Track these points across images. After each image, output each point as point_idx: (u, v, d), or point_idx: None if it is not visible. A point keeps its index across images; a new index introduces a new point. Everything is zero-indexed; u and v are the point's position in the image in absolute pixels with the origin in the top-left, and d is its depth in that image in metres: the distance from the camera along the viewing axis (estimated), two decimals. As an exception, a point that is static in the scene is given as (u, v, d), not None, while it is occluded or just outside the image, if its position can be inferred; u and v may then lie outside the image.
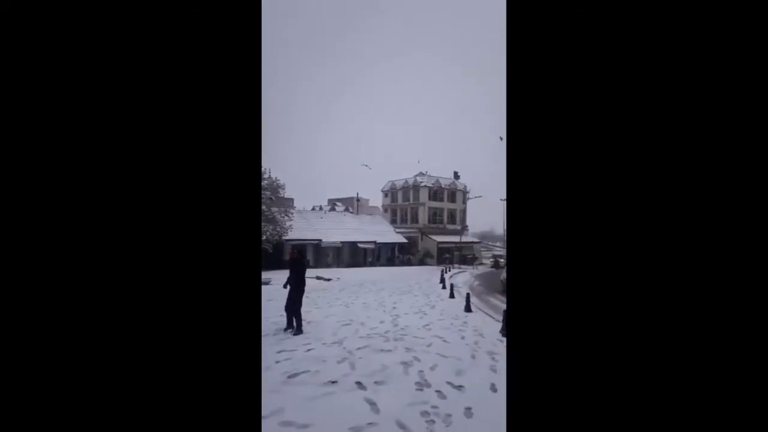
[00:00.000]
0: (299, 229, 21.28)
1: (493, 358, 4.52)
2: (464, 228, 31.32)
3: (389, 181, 33.63)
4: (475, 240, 34.00)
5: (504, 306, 8.72)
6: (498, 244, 47.78)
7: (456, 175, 33.39)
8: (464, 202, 32.93)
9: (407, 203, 31.40)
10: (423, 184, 30.33)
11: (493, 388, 3.54)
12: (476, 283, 15.57)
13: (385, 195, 34.02)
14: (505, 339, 5.51)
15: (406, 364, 3.96)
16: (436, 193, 30.90)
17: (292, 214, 19.81)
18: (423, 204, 30.20)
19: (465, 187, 33.29)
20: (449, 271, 19.86)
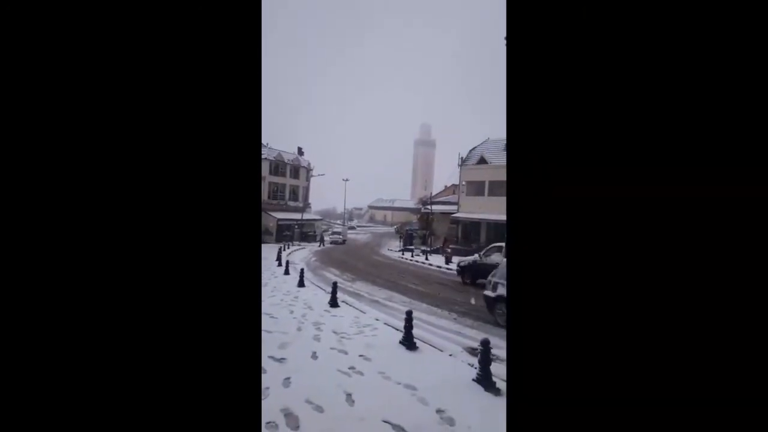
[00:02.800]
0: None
1: (318, 329, 4.76)
2: (307, 205, 31.39)
3: (225, 150, 30.14)
4: (317, 218, 34.63)
5: (334, 278, 9.27)
6: (338, 221, 50.01)
7: (300, 151, 32.86)
8: (307, 179, 32.89)
9: (245, 176, 28.96)
10: (264, 157, 28.64)
11: (314, 356, 3.74)
12: (313, 259, 15.96)
13: (220, 165, 30.42)
14: (331, 309, 5.89)
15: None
16: (277, 168, 29.72)
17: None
18: (263, 178, 28.60)
19: (309, 164, 33.20)
20: (288, 248, 19.66)
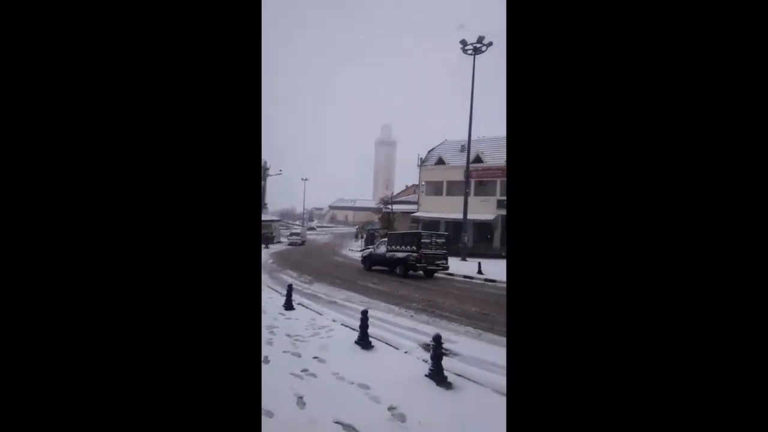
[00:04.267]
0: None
1: (271, 332, 4.61)
2: (262, 206, 30.40)
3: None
4: (275, 218, 33.66)
5: (291, 280, 9.06)
6: (297, 222, 48.97)
7: (256, 150, 31.76)
8: (264, 179, 31.86)
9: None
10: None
11: (266, 360, 3.61)
12: (270, 261, 15.48)
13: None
14: (286, 312, 5.74)
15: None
16: (233, 167, 28.50)
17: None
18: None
19: (265, 163, 32.18)
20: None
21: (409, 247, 10.88)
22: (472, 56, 15.07)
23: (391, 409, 2.64)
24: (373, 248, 13.35)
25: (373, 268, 12.41)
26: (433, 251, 10.83)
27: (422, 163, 23.82)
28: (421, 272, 10.87)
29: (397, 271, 10.98)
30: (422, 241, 10.72)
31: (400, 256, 11.00)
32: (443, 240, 11.40)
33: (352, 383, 3.08)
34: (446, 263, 11.03)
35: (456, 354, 4.02)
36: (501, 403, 2.86)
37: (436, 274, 11.05)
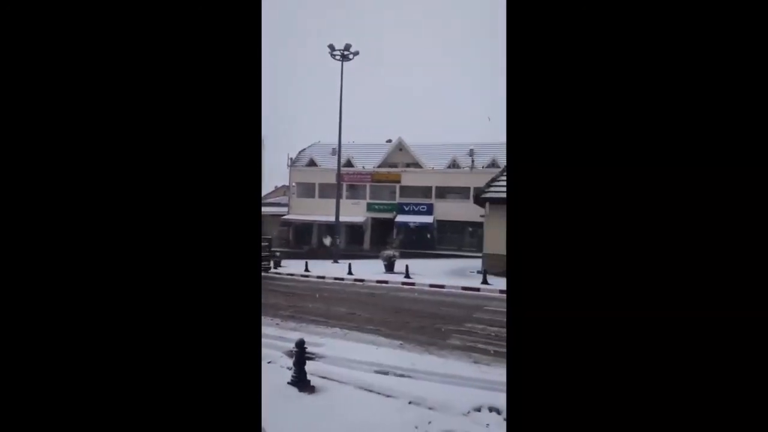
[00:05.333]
0: None
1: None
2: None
3: None
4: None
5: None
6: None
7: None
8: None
9: None
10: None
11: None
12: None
13: None
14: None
15: None
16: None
17: None
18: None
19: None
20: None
21: None
22: (343, 61, 15.45)
23: (247, 427, 2.46)
24: None
25: None
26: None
27: (293, 163, 23.19)
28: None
29: None
30: None
31: None
32: (266, 243, 12.04)
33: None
34: (268, 264, 12.09)
35: (321, 356, 4.03)
36: (364, 398, 2.99)
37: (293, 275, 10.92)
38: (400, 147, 23.05)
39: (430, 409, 2.79)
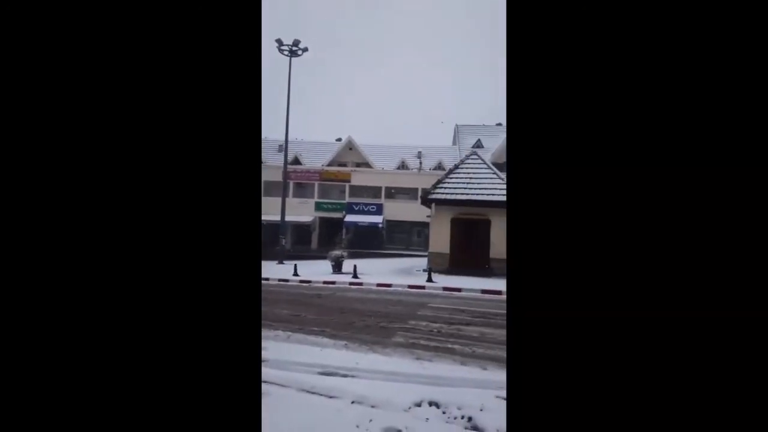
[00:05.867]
0: None
1: None
2: None
3: None
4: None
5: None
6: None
7: None
8: None
9: None
10: None
11: None
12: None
13: None
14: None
15: None
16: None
17: None
18: None
19: None
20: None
21: None
22: (290, 57, 15.01)
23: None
24: None
25: None
26: None
27: (237, 160, 22.05)
28: None
29: None
30: None
31: None
32: None
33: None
34: None
35: (264, 361, 3.88)
36: (305, 401, 2.93)
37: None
38: (350, 146, 22.98)
39: (372, 407, 2.81)
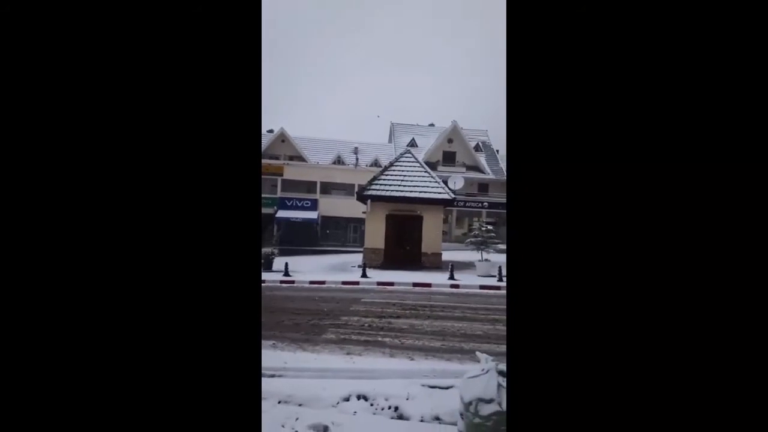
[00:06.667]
0: None
1: None
2: None
3: None
4: None
5: None
6: None
7: None
8: None
9: None
10: None
11: None
12: None
13: None
14: None
15: None
16: None
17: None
18: None
19: None
20: None
21: None
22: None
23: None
24: None
25: None
26: None
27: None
28: None
29: None
30: None
31: None
32: None
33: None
34: None
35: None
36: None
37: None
38: (282, 138, 22.13)
39: (299, 405, 2.75)
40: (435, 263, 11.75)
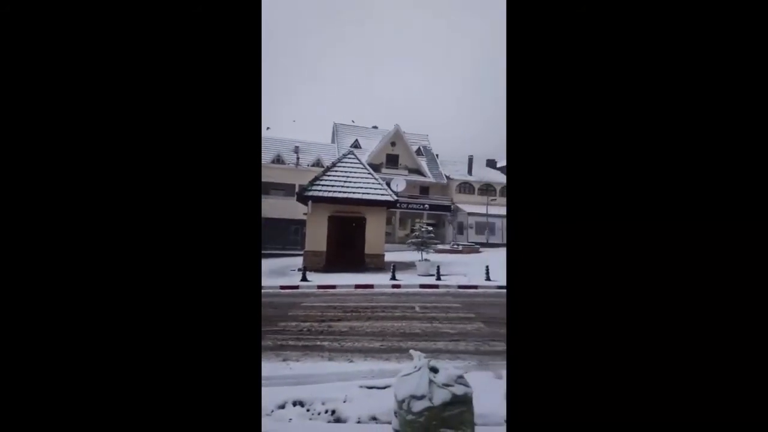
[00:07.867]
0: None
1: None
2: None
3: None
4: None
5: None
6: None
7: None
8: None
9: None
10: None
11: None
12: None
13: None
14: None
15: None
16: None
17: None
18: None
19: None
20: None
21: None
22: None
23: None
24: None
25: None
26: None
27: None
28: None
29: None
30: None
31: None
32: None
33: None
34: None
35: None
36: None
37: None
38: (219, 136, 20.78)
39: (229, 419, 2.60)
40: (378, 264, 11.86)
